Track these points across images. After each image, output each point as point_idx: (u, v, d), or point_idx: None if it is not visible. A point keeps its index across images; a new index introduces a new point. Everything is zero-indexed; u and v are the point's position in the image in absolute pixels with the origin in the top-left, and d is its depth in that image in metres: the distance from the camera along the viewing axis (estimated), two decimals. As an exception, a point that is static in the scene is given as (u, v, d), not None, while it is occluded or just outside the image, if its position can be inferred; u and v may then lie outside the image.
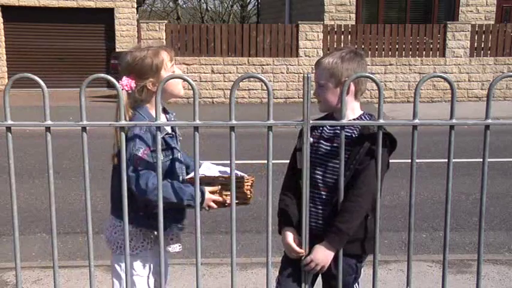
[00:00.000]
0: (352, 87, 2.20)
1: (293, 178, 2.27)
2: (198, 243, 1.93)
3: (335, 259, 2.11)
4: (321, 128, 2.26)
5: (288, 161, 2.36)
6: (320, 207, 2.23)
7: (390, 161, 2.24)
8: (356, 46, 13.09)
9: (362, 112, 2.26)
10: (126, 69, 2.31)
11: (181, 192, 2.22)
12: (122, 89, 2.19)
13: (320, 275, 2.36)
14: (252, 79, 12.34)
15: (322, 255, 2.14)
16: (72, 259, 4.34)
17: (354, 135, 2.19)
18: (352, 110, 2.23)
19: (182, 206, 2.28)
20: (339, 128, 2.19)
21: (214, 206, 2.29)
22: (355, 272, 2.29)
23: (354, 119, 2.22)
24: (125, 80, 2.24)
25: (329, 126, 2.25)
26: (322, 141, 2.24)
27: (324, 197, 2.21)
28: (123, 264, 2.24)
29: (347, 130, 2.19)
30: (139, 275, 2.39)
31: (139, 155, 2.18)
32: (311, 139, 2.05)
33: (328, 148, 2.23)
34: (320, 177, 2.23)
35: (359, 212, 2.12)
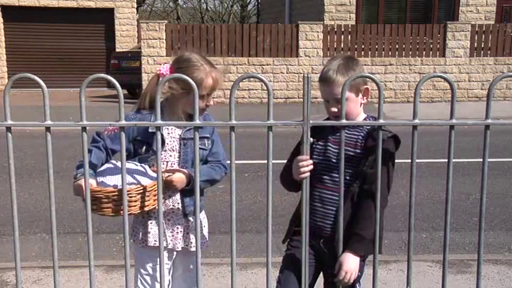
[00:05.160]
0: (370, 91, 2.27)
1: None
2: (198, 244, 1.93)
3: (336, 258, 2.12)
4: (327, 132, 2.27)
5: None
6: (329, 207, 2.25)
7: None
8: (356, 46, 13.18)
9: (366, 115, 2.32)
10: (176, 61, 2.45)
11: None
12: (159, 73, 2.40)
13: (322, 274, 2.37)
14: (252, 79, 12.34)
15: (353, 263, 2.16)
16: (72, 259, 4.33)
17: (361, 137, 2.21)
18: (360, 115, 2.30)
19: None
20: (346, 131, 2.21)
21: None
22: (360, 270, 2.29)
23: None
24: (165, 66, 2.40)
25: (335, 130, 2.26)
26: (329, 143, 2.27)
27: (335, 197, 2.21)
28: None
29: (353, 132, 2.24)
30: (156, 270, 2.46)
31: (110, 128, 2.29)
32: (311, 139, 2.05)
33: (337, 151, 2.24)
34: (328, 177, 2.25)
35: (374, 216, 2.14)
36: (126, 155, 2.37)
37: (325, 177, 2.25)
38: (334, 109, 2.22)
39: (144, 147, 2.40)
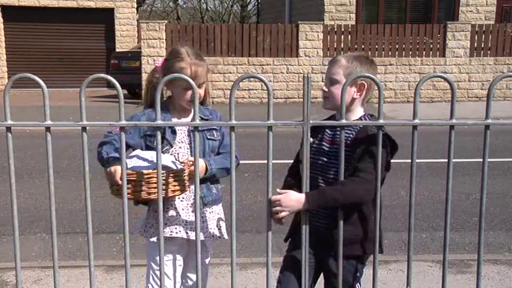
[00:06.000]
0: (364, 92, 2.23)
1: (295, 171, 2.29)
2: (198, 244, 1.93)
3: (336, 259, 2.09)
4: (322, 131, 2.27)
5: (289, 161, 2.37)
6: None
7: (391, 160, 2.24)
8: (356, 46, 13.17)
9: (363, 114, 2.28)
10: (167, 53, 2.58)
11: (103, 158, 2.33)
12: (155, 65, 2.56)
13: (322, 275, 2.36)
14: (252, 79, 12.34)
15: (292, 200, 2.03)
16: (72, 259, 4.33)
17: (352, 136, 2.20)
18: (354, 113, 2.26)
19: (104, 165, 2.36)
20: (337, 130, 2.20)
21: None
22: (357, 272, 2.28)
23: (355, 120, 2.23)
24: (160, 60, 2.54)
25: (329, 128, 2.26)
26: (323, 142, 2.26)
27: None
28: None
29: (346, 131, 2.20)
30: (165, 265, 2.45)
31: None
32: (311, 139, 2.05)
33: (327, 149, 2.24)
34: (321, 177, 2.23)
35: (350, 192, 2.06)
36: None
37: (317, 176, 2.23)
38: (324, 88, 2.25)
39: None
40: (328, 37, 13.38)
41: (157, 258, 2.47)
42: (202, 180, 2.42)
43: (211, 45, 13.12)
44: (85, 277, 3.75)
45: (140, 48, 13.57)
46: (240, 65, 13.24)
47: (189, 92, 2.39)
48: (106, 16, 17.68)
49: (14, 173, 1.85)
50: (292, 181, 2.34)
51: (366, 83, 2.23)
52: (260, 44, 13.27)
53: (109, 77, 1.85)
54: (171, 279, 2.53)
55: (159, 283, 2.48)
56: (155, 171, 2.21)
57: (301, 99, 1.83)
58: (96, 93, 14.21)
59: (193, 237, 2.44)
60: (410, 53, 13.50)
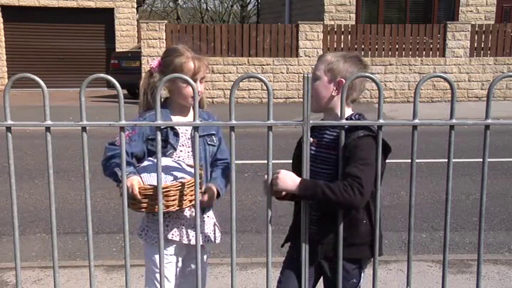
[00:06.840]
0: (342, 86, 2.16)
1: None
2: (198, 244, 1.93)
3: (334, 264, 2.05)
4: (313, 134, 2.21)
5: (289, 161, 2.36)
6: (312, 212, 2.13)
7: (390, 160, 2.22)
8: (356, 46, 13.17)
9: (350, 113, 2.20)
10: (163, 52, 2.52)
11: (117, 174, 2.29)
12: (150, 67, 2.48)
13: (322, 279, 2.35)
14: (252, 79, 12.34)
15: (288, 178, 1.99)
16: (72, 259, 4.34)
17: (335, 137, 2.13)
18: (339, 112, 2.17)
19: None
20: (325, 133, 2.17)
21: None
22: (355, 277, 2.25)
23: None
24: (156, 60, 2.47)
25: (318, 131, 2.22)
26: (312, 146, 2.18)
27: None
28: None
29: (330, 134, 2.16)
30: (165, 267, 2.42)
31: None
32: (311, 139, 2.03)
33: (313, 153, 2.17)
34: None
35: (340, 195, 1.96)
36: (141, 156, 2.42)
37: None
38: None
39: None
40: (328, 37, 13.38)
41: (157, 261, 2.47)
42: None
43: (211, 45, 13.11)
44: (85, 277, 3.75)
45: (140, 48, 13.58)
46: (240, 65, 13.24)
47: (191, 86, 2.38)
48: (106, 16, 17.68)
49: (14, 173, 1.85)
50: None
51: (344, 80, 2.08)
52: (260, 44, 13.28)
53: (109, 77, 1.84)
54: (170, 282, 2.52)
55: (158, 286, 2.48)
56: (172, 184, 2.23)
57: (301, 99, 1.83)
58: (96, 93, 14.21)
59: (193, 242, 2.44)
60: (410, 53, 13.50)
